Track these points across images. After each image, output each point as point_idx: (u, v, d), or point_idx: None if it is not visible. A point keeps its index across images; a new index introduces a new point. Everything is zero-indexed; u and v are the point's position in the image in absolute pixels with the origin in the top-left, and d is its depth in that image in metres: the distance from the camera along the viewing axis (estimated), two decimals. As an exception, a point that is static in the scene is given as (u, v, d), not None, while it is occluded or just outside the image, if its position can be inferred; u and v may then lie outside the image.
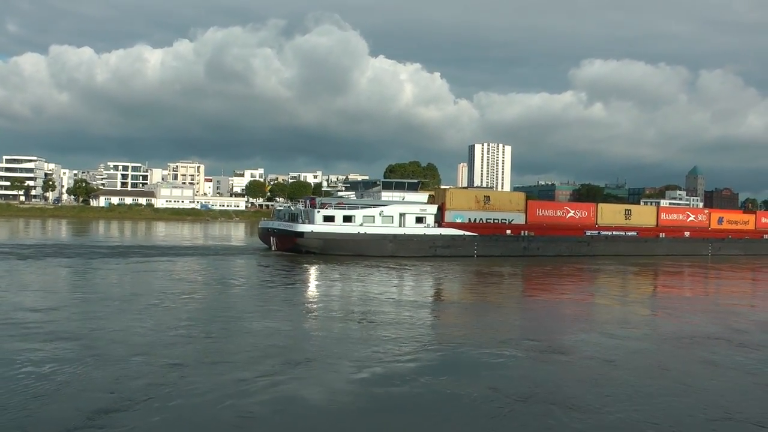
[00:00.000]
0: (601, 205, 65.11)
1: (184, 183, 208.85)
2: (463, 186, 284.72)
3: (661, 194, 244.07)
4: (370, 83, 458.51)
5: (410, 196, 54.70)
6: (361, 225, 49.72)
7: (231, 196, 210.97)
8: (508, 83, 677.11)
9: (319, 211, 49.71)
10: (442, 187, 59.28)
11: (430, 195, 56.52)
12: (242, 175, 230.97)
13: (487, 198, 56.19)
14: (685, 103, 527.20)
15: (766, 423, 11.84)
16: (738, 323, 23.73)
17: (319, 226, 48.82)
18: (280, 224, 52.28)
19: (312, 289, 31.60)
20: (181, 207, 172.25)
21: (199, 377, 13.32)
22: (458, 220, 53.05)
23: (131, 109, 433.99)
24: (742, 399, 13.40)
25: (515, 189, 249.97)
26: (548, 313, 25.78)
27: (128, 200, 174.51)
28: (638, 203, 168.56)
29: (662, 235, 63.99)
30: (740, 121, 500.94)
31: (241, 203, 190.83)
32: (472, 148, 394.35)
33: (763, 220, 74.89)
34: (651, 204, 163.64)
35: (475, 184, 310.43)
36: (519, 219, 56.03)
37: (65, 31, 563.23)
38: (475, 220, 53.85)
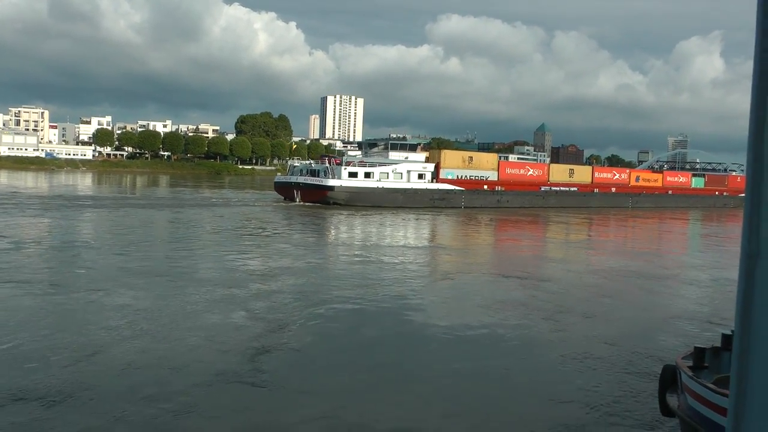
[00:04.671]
0: (552, 165, 74.88)
1: (27, 130, 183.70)
2: (314, 138, 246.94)
3: (509, 149, 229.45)
4: (223, 32, 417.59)
5: (411, 155, 61.41)
6: (378, 180, 55.92)
7: (78, 144, 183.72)
8: (365, 35, 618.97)
9: (345, 168, 55.50)
10: (441, 149, 67.52)
11: (426, 156, 63.37)
12: (89, 123, 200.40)
13: (471, 158, 64.03)
14: (540, 62, 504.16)
15: (710, 318, 16.59)
16: (658, 261, 29.22)
17: (345, 181, 54.37)
18: (307, 179, 56.71)
19: (360, 231, 37.68)
20: (24, 155, 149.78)
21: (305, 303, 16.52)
22: (449, 177, 60.33)
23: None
24: (682, 309, 18.29)
25: (367, 141, 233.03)
26: (520, 252, 31.70)
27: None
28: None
29: (596, 190, 73.17)
30: (591, 82, 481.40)
31: (89, 152, 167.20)
32: (324, 100, 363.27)
33: (668, 178, 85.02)
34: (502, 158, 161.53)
35: (327, 136, 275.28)
36: (493, 176, 63.26)
37: None
38: (462, 177, 60.97)
